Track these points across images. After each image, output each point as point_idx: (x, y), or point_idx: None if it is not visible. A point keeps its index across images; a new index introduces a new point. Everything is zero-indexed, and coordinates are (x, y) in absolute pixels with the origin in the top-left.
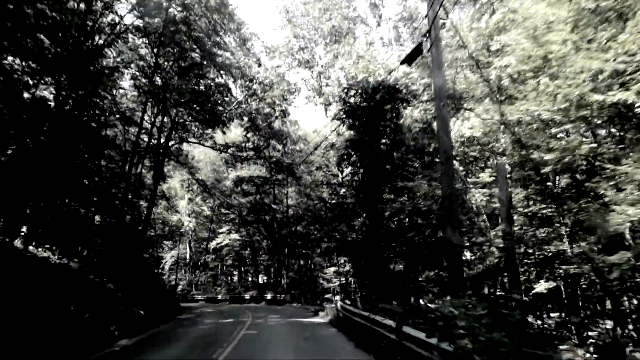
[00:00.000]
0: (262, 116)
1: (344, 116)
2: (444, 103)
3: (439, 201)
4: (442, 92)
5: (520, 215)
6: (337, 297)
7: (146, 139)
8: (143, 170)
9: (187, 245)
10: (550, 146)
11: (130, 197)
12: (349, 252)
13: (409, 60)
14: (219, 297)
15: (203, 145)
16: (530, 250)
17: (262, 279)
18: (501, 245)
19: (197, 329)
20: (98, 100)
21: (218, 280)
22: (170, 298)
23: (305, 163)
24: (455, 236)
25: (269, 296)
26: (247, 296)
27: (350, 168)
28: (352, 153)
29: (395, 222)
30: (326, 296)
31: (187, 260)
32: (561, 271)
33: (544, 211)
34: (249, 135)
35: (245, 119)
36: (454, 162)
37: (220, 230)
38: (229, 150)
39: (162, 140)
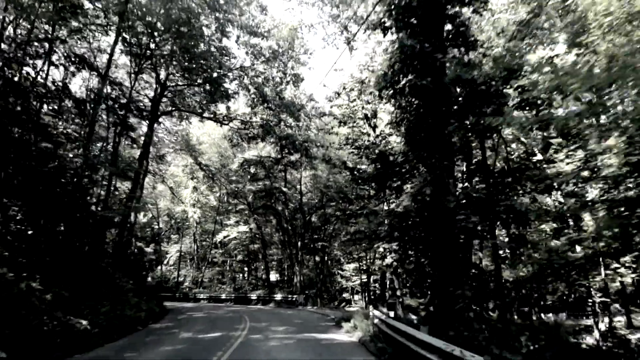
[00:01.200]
0: (272, 85)
1: (388, 14)
2: None
3: None
4: None
5: None
6: (375, 312)
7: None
8: (124, 143)
9: (193, 238)
10: None
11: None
12: (399, 230)
13: None
14: (223, 296)
15: (200, 115)
16: None
17: (274, 276)
18: None
19: (152, 356)
20: None
21: (224, 277)
22: (151, 297)
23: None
24: None
25: (278, 296)
26: (253, 296)
27: (398, 103)
28: (403, 69)
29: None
30: (344, 296)
31: (192, 255)
32: None
33: None
34: (256, 110)
35: (252, 89)
36: None
37: (228, 222)
38: (233, 124)
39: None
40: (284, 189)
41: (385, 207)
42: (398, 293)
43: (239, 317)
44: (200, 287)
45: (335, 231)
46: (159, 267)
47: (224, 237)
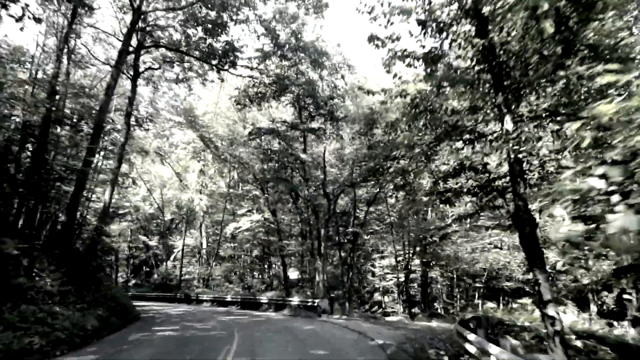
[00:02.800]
0: (286, 21)
1: None
2: None
3: None
4: None
5: None
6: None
7: None
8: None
9: (199, 230)
10: None
11: None
12: None
13: None
14: (228, 298)
15: (191, 56)
16: None
17: (294, 274)
18: None
19: None
20: None
21: (233, 275)
22: (113, 303)
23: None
24: None
25: (295, 300)
26: (263, 299)
27: None
28: None
29: None
30: (377, 298)
31: (199, 249)
32: None
33: None
34: (267, 62)
35: (261, 29)
36: None
37: (240, 212)
38: (240, 71)
39: None
40: (303, 156)
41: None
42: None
43: (225, 339)
44: (204, 287)
45: (367, 218)
46: (165, 264)
47: (235, 229)
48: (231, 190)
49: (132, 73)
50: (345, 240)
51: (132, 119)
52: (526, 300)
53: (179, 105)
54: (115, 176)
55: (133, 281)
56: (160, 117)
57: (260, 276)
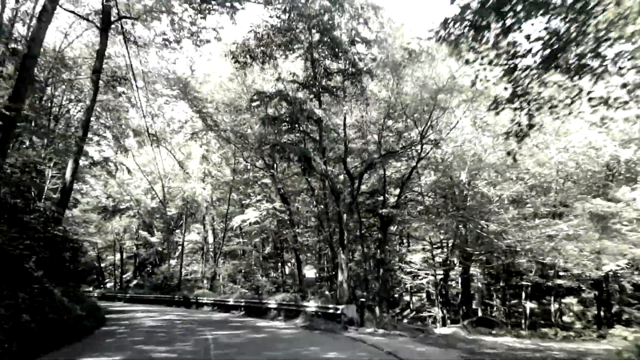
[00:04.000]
0: None
1: None
2: None
3: None
4: None
5: None
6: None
7: None
8: None
9: (203, 224)
10: None
11: None
12: None
13: None
14: (231, 301)
15: None
16: None
17: (311, 272)
18: None
19: None
20: None
21: (239, 274)
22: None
23: None
24: None
25: (311, 306)
26: (272, 303)
27: None
28: None
29: None
30: (409, 300)
31: (203, 246)
32: None
33: None
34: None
35: None
36: None
37: (247, 202)
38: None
39: None
40: (318, 112)
41: None
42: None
43: None
44: (209, 287)
45: (401, 199)
46: (167, 262)
47: (242, 222)
48: (237, 177)
49: (100, 22)
50: (378, 225)
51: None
52: (571, 300)
53: (170, 74)
54: (80, 148)
55: (135, 281)
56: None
57: (271, 275)
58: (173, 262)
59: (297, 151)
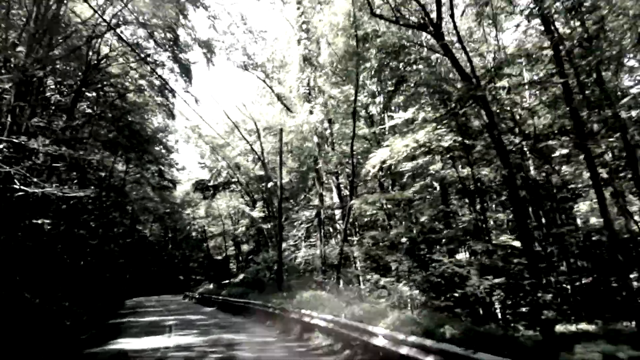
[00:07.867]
0: None
1: None
2: None
3: None
4: None
5: None
6: None
7: None
8: None
9: (318, 181)
10: None
11: None
12: None
13: None
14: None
15: None
16: None
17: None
18: None
19: None
20: None
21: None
22: None
23: None
24: None
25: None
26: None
27: None
28: None
29: None
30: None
31: (319, 213)
32: None
33: None
34: None
35: None
36: None
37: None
38: None
39: None
40: None
41: None
42: None
43: None
44: (335, 280)
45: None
46: (268, 248)
47: (387, 158)
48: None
49: None
50: None
51: None
52: None
53: None
54: None
55: (241, 275)
56: None
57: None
58: (284, 245)
59: None
